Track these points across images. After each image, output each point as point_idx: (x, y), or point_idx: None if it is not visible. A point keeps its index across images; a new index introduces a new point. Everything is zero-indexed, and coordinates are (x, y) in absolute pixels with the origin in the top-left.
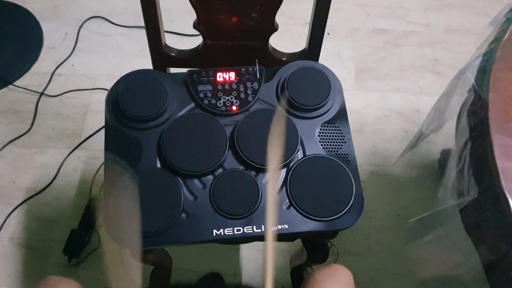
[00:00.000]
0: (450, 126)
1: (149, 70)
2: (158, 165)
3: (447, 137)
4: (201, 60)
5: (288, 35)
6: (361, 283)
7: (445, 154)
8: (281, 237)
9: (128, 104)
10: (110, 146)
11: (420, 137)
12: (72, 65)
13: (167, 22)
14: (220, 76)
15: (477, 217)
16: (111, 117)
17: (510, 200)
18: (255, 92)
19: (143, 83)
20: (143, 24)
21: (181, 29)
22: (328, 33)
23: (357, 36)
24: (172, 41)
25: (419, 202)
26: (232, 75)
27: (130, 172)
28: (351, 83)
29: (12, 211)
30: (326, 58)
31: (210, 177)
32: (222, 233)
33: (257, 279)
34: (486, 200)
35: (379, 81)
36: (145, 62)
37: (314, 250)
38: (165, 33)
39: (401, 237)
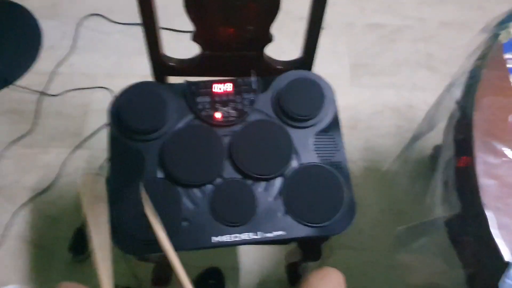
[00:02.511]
0: (440, 125)
1: (149, 82)
2: (160, 175)
3: (439, 132)
4: (199, 69)
5: (284, 31)
6: (355, 276)
7: (436, 150)
8: (278, 241)
9: (130, 117)
10: (114, 157)
11: (412, 143)
12: (72, 64)
13: (163, 19)
14: (218, 88)
15: (461, 230)
16: (114, 128)
17: (489, 217)
18: (251, 102)
19: (144, 96)
20: None
21: (178, 25)
22: (323, 28)
23: (352, 31)
24: (169, 38)
25: (411, 197)
26: (229, 86)
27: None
28: (345, 79)
29: (18, 209)
30: (321, 54)
31: (209, 186)
32: (221, 240)
33: (255, 273)
34: (468, 216)
35: (373, 77)
36: (144, 60)
37: (308, 250)
38: (163, 30)
39: (393, 231)
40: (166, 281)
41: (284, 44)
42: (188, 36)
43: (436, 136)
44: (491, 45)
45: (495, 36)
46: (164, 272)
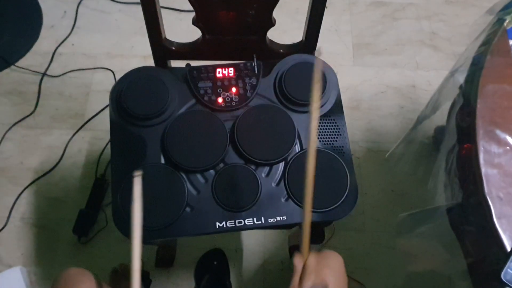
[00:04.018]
0: (443, 107)
1: (150, 67)
2: (162, 161)
3: (442, 112)
4: (200, 53)
5: (286, 9)
6: (356, 256)
7: (438, 132)
8: (280, 226)
9: (131, 102)
10: (115, 142)
11: (416, 126)
12: (73, 44)
13: None
14: (220, 72)
15: (462, 219)
16: (116, 114)
17: (491, 206)
18: (253, 87)
19: (145, 81)
20: None
21: (179, 5)
22: (326, 7)
23: (355, 9)
24: (170, 17)
25: (413, 178)
26: (231, 71)
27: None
28: (348, 58)
29: (22, 191)
30: (323, 33)
31: (212, 172)
32: (224, 226)
33: (258, 254)
34: (469, 205)
35: (376, 56)
36: (145, 40)
37: (310, 233)
38: (163, 9)
39: (395, 212)
40: (169, 263)
41: (285, 23)
42: (190, 15)
43: (438, 117)
44: (496, 31)
45: (499, 21)
46: (168, 254)
